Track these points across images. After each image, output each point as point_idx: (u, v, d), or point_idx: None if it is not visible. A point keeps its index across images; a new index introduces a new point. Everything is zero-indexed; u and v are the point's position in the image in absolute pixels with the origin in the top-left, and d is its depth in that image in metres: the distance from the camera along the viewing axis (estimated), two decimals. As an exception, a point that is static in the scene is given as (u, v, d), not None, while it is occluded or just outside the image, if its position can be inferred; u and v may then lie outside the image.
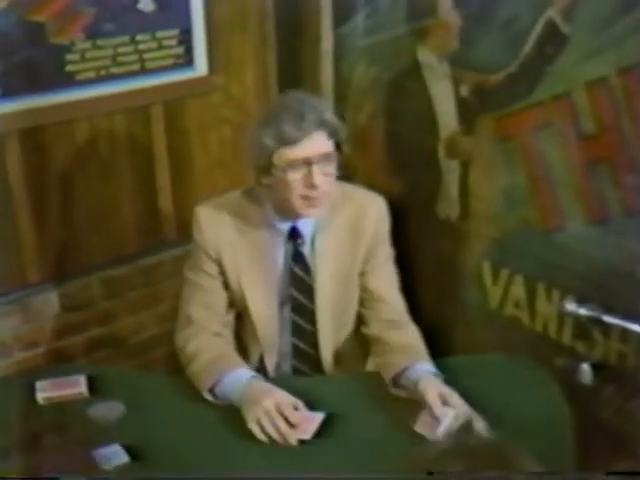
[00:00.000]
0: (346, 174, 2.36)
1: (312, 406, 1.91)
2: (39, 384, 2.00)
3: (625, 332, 1.98)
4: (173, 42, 2.54)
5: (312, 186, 1.96)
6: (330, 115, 2.00)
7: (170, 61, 2.55)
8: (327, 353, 2.21)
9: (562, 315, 2.12)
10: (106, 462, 1.75)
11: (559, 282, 2.12)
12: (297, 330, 2.20)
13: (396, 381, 1.97)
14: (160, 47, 2.51)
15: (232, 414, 1.89)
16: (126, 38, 2.43)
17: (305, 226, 2.11)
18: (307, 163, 1.95)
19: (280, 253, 2.13)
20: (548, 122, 2.03)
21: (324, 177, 1.97)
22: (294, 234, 2.12)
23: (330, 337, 2.19)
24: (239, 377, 1.95)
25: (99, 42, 2.39)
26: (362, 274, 2.18)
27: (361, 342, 2.22)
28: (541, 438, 1.73)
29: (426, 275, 2.48)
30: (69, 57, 2.35)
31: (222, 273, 2.12)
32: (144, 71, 2.50)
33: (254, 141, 2.01)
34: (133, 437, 1.83)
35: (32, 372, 2.20)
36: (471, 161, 2.27)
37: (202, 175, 2.73)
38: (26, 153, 2.37)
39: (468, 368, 2.03)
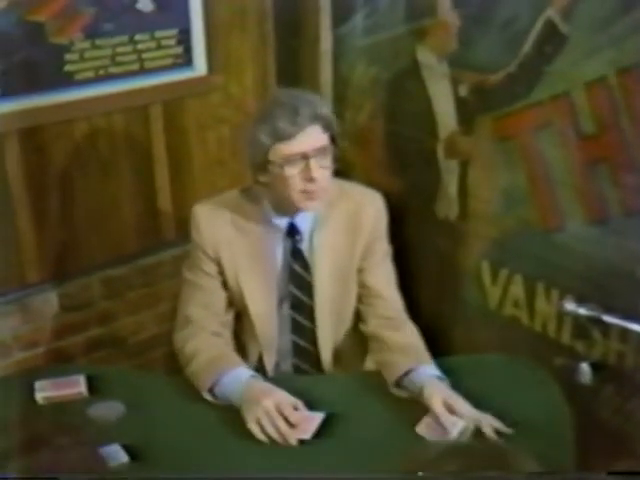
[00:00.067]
0: (345, 173, 2.37)
1: (312, 406, 1.91)
2: (39, 384, 2.00)
3: (624, 332, 1.98)
4: (172, 42, 2.54)
5: (311, 180, 1.96)
6: (324, 109, 2.01)
7: (169, 61, 2.55)
8: (326, 350, 2.21)
9: (561, 315, 2.12)
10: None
11: (558, 282, 2.12)
12: (297, 327, 2.20)
13: (399, 383, 1.97)
14: (159, 47, 2.51)
15: (232, 414, 1.89)
16: (125, 38, 2.43)
17: (303, 222, 2.12)
18: (304, 157, 1.96)
19: (279, 250, 2.14)
20: (547, 122, 2.03)
21: (322, 170, 1.98)
22: (292, 231, 2.12)
23: (329, 334, 2.20)
24: (238, 377, 1.95)
25: (98, 42, 2.39)
26: (360, 270, 2.18)
27: (360, 339, 2.22)
28: (541, 438, 1.74)
29: (425, 275, 2.49)
30: (68, 57, 2.35)
31: (221, 272, 2.13)
32: (143, 71, 2.50)
33: (250, 139, 2.01)
34: (133, 437, 1.83)
35: (32, 372, 2.20)
36: (470, 161, 2.28)
37: (201, 175, 2.73)
38: (25, 153, 2.36)
39: (467, 368, 2.03)
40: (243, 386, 1.92)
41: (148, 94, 2.54)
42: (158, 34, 2.50)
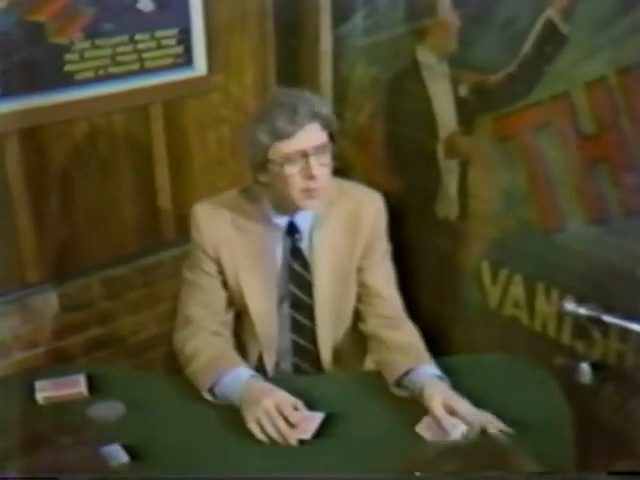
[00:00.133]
0: (346, 173, 2.37)
1: (311, 406, 1.91)
2: (39, 384, 2.00)
3: (624, 332, 1.98)
4: (172, 42, 2.54)
5: (311, 178, 1.97)
6: (322, 107, 2.01)
7: (169, 61, 2.55)
8: (326, 349, 2.21)
9: (561, 315, 2.12)
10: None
11: (558, 282, 2.12)
12: (296, 326, 2.20)
13: (399, 382, 1.97)
14: (159, 47, 2.51)
15: (232, 414, 1.89)
16: (125, 38, 2.43)
17: (303, 221, 2.12)
18: (303, 156, 1.96)
19: (278, 249, 2.14)
20: (547, 122, 2.03)
21: (321, 168, 1.98)
22: (292, 230, 2.12)
23: (328, 333, 2.20)
24: (238, 377, 1.95)
25: (98, 42, 2.39)
26: (359, 270, 2.18)
27: (359, 338, 2.22)
28: (541, 437, 1.74)
29: (425, 275, 2.49)
30: (68, 57, 2.35)
31: (221, 272, 2.13)
32: (143, 71, 2.50)
33: (249, 139, 2.02)
34: (133, 437, 1.83)
35: (32, 372, 2.20)
36: (470, 161, 2.28)
37: (201, 174, 2.73)
38: (25, 153, 2.36)
39: (467, 368, 2.03)
40: (243, 386, 1.92)
41: (148, 94, 2.54)
42: (158, 34, 2.50)
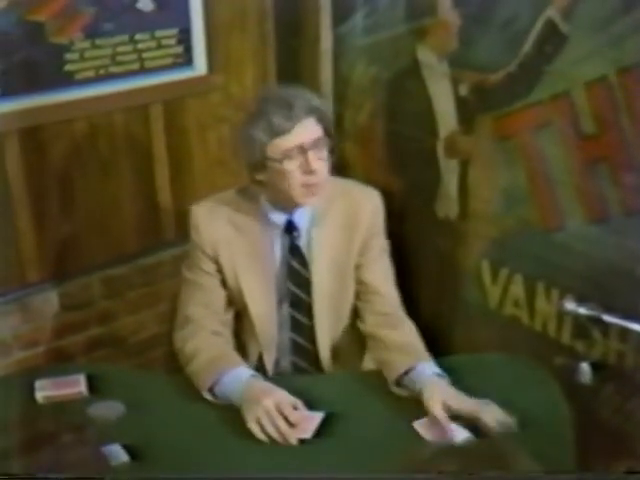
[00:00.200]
0: (346, 173, 2.37)
1: (311, 405, 1.91)
2: (39, 383, 2.00)
3: (624, 331, 1.98)
4: (172, 41, 2.54)
5: (311, 172, 1.97)
6: (317, 101, 2.02)
7: (169, 60, 2.55)
8: (324, 347, 2.21)
9: (561, 314, 2.12)
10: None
11: (558, 281, 2.12)
12: (295, 325, 2.20)
13: (399, 382, 1.97)
14: (159, 46, 2.51)
15: (232, 413, 1.89)
16: (125, 37, 2.43)
17: (301, 219, 2.12)
18: (302, 151, 1.96)
19: (277, 248, 2.14)
20: (547, 121, 2.03)
21: (320, 162, 1.99)
22: (290, 228, 2.12)
23: (327, 331, 2.20)
24: (239, 376, 1.95)
25: (98, 41, 2.39)
26: (357, 267, 2.18)
27: (358, 336, 2.22)
28: (541, 437, 1.74)
29: (425, 274, 2.49)
30: (68, 56, 2.35)
31: (220, 271, 2.13)
32: (143, 70, 2.50)
33: (245, 138, 2.02)
34: (133, 436, 1.83)
35: (32, 371, 2.20)
36: (470, 160, 2.28)
37: (201, 174, 2.73)
38: (25, 152, 2.36)
39: (467, 367, 2.03)
40: (243, 386, 1.92)
41: (148, 94, 2.54)
42: (158, 34, 2.50)
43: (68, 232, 2.51)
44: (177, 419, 1.92)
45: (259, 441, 1.82)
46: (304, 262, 2.14)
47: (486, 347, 2.35)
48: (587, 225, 2.01)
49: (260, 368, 2.17)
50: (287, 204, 2.07)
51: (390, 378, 1.98)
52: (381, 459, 1.69)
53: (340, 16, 2.54)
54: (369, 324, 2.16)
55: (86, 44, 2.37)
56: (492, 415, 1.79)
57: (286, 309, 2.18)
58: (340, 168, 2.56)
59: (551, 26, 1.96)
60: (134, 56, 2.47)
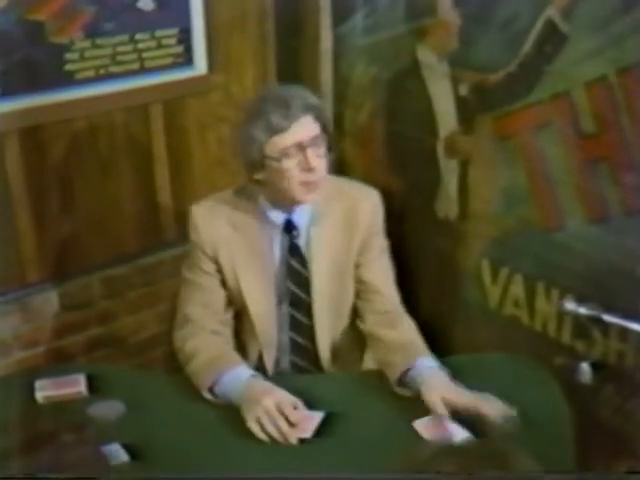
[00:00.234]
0: (346, 173, 2.37)
1: (311, 405, 1.91)
2: (39, 383, 2.00)
3: (624, 331, 1.98)
4: (172, 41, 2.54)
5: (309, 170, 1.98)
6: (314, 99, 2.03)
7: (169, 60, 2.55)
8: (324, 347, 2.21)
9: (561, 314, 2.12)
10: (106, 461, 1.76)
11: (558, 281, 2.12)
12: (295, 324, 2.20)
13: (401, 381, 1.97)
14: (159, 46, 2.51)
15: (232, 413, 1.89)
16: (125, 37, 2.43)
17: (300, 218, 2.12)
18: (300, 148, 1.97)
19: (276, 247, 2.14)
20: (548, 121, 2.03)
21: (318, 160, 1.99)
22: (289, 227, 2.12)
23: (327, 330, 2.20)
24: (238, 376, 1.95)
25: (98, 41, 2.38)
26: (357, 266, 2.18)
27: (358, 336, 2.22)
28: (541, 437, 1.74)
29: (425, 274, 2.49)
30: (68, 56, 2.34)
31: (219, 271, 2.13)
32: (143, 70, 2.50)
33: (243, 137, 2.02)
34: (133, 436, 1.83)
35: (32, 371, 2.20)
36: (470, 160, 2.28)
37: (201, 174, 2.73)
38: (25, 152, 2.36)
39: (468, 367, 2.03)
40: (243, 385, 1.92)
41: (148, 93, 2.54)
42: (158, 33, 2.50)
43: (68, 232, 2.50)
44: (177, 419, 1.92)
45: (259, 441, 1.82)
46: (303, 261, 2.14)
47: (486, 347, 2.35)
48: (587, 225, 2.01)
49: (260, 368, 2.17)
50: (286, 203, 2.07)
51: (392, 378, 1.98)
52: (381, 459, 1.68)
53: (340, 16, 2.54)
54: (369, 323, 2.16)
55: (86, 44, 2.36)
56: (492, 408, 1.79)
57: (285, 308, 2.18)
58: (340, 168, 2.57)
59: (551, 26, 1.96)
60: (134, 56, 2.47)
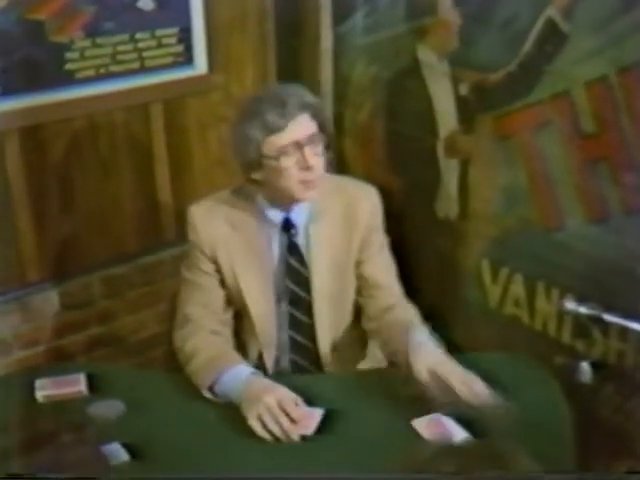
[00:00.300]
0: (346, 172, 2.37)
1: (311, 404, 1.90)
2: (39, 382, 2.00)
3: (625, 331, 1.98)
4: (173, 40, 2.54)
5: (307, 168, 1.98)
6: (310, 97, 2.02)
7: (170, 59, 2.55)
8: (325, 345, 2.20)
9: (562, 314, 2.12)
10: (106, 461, 1.76)
11: (559, 281, 2.12)
12: (294, 323, 2.20)
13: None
14: (160, 45, 2.51)
15: (232, 412, 1.89)
16: (126, 36, 2.43)
17: (298, 216, 2.12)
18: (298, 147, 1.96)
19: (275, 246, 2.14)
20: (548, 121, 2.03)
21: (316, 158, 1.99)
22: (287, 225, 2.12)
23: (328, 329, 2.19)
24: (238, 374, 1.95)
25: (99, 40, 2.39)
26: (358, 263, 2.18)
27: (359, 334, 2.22)
28: (541, 437, 1.73)
29: (425, 274, 2.49)
30: (69, 55, 2.35)
31: (218, 271, 2.13)
32: (144, 69, 2.50)
33: (239, 137, 2.02)
34: (133, 435, 1.83)
35: (32, 370, 2.20)
36: (470, 160, 2.28)
37: (202, 174, 2.73)
38: (26, 151, 2.36)
39: (468, 366, 2.02)
40: (243, 383, 1.92)
41: (149, 93, 2.54)
42: (159, 32, 2.50)
43: (68, 231, 2.51)
44: (177, 418, 1.92)
45: (259, 440, 1.82)
46: (302, 260, 2.14)
47: (486, 346, 2.35)
48: (587, 224, 2.01)
49: (260, 367, 2.17)
50: (284, 201, 2.07)
51: (402, 365, 1.96)
52: (380, 458, 1.68)
53: (340, 15, 2.54)
54: (373, 319, 2.16)
55: (86, 43, 2.37)
56: (484, 389, 1.79)
57: (285, 307, 2.18)
58: (340, 167, 2.57)
59: (551, 25, 1.96)
60: (134, 55, 2.47)
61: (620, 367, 2.03)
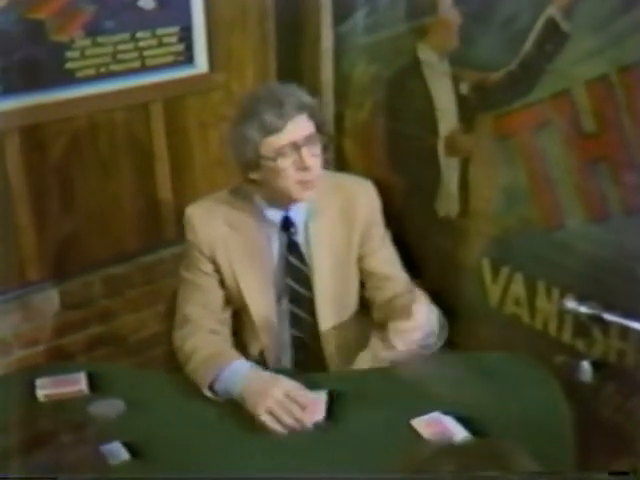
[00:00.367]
0: (346, 171, 2.37)
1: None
2: (39, 381, 2.00)
3: (625, 330, 1.98)
4: (173, 39, 2.54)
5: (305, 169, 1.98)
6: (307, 97, 2.02)
7: (170, 58, 2.55)
8: (328, 342, 2.20)
9: (562, 313, 2.12)
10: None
11: (559, 280, 2.12)
12: (295, 321, 2.20)
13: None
14: (160, 44, 2.52)
15: (232, 410, 1.89)
16: (126, 35, 2.43)
17: (297, 215, 2.12)
18: (295, 148, 1.97)
19: (274, 245, 2.14)
20: (548, 120, 2.03)
21: (314, 159, 1.99)
22: (287, 224, 2.12)
23: (331, 326, 2.19)
24: (238, 369, 1.95)
25: (99, 39, 2.39)
26: (361, 258, 2.19)
27: (363, 330, 2.21)
28: (541, 436, 1.73)
29: (426, 273, 2.48)
30: (69, 54, 2.35)
31: (217, 271, 2.13)
32: (144, 68, 2.51)
33: (237, 138, 2.02)
34: (133, 434, 1.83)
35: (32, 370, 2.20)
36: (471, 159, 2.28)
37: (202, 173, 2.73)
38: (26, 150, 2.37)
39: (468, 366, 2.03)
40: (243, 378, 1.91)
41: (149, 92, 2.54)
42: (159, 32, 2.50)
43: (68, 230, 2.51)
44: (177, 417, 1.92)
45: (259, 439, 1.82)
46: (302, 258, 2.14)
47: (486, 346, 2.35)
48: (587, 224, 2.01)
49: (261, 364, 2.17)
50: (282, 201, 2.07)
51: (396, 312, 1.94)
52: (380, 458, 1.68)
53: (341, 15, 2.54)
54: (381, 308, 2.15)
55: (87, 42, 2.37)
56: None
57: (285, 305, 2.18)
58: (341, 166, 2.57)
59: (552, 25, 1.96)
60: (135, 54, 2.47)
61: (620, 366, 2.03)
